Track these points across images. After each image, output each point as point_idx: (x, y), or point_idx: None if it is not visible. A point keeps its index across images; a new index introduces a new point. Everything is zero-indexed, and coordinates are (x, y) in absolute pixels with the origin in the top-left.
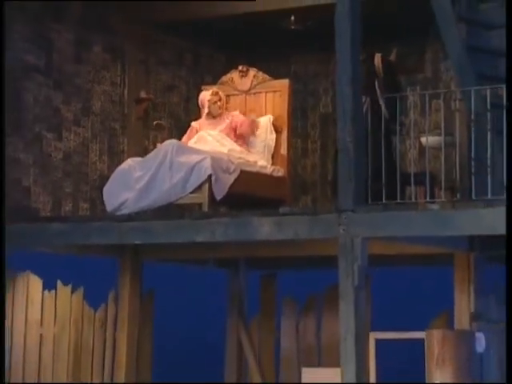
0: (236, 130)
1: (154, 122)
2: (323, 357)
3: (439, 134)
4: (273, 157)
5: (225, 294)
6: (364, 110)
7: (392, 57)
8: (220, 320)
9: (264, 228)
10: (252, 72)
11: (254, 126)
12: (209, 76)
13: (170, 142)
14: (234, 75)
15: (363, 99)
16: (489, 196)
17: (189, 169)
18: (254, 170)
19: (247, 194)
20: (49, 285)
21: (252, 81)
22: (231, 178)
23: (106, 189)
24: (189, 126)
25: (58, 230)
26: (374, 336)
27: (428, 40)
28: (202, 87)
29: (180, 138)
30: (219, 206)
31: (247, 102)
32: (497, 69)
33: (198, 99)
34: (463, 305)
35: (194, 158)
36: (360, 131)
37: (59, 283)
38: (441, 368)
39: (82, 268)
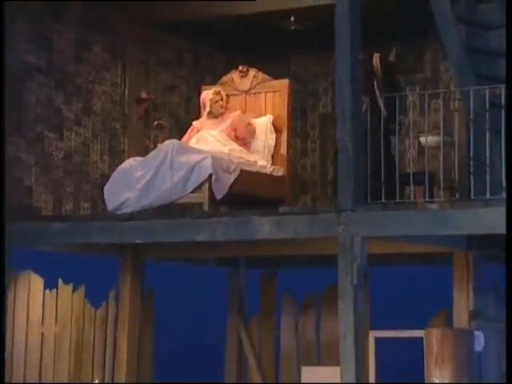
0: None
1: (155, 123)
2: (322, 355)
3: (438, 134)
4: (273, 156)
5: (225, 292)
6: (363, 109)
7: (391, 57)
8: (220, 319)
9: (264, 227)
10: (252, 72)
11: (250, 130)
12: (209, 76)
13: (171, 142)
14: (234, 75)
15: (362, 99)
16: (487, 195)
17: (189, 168)
18: (254, 169)
19: (247, 194)
20: (50, 284)
21: (252, 81)
22: (231, 178)
23: (106, 188)
24: (189, 125)
25: (59, 229)
26: (373, 334)
27: (427, 40)
28: (203, 87)
29: (180, 138)
30: (219, 206)
31: (247, 102)
32: (495, 69)
33: (198, 99)
34: (462, 303)
35: (195, 158)
36: (359, 131)
37: (60, 282)
38: (440, 366)
39: (83, 267)
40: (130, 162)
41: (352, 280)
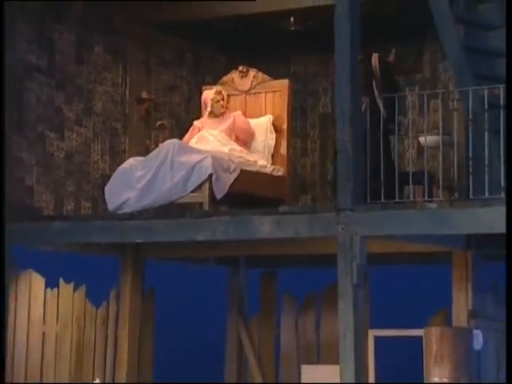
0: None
1: (158, 123)
2: (322, 354)
3: (437, 134)
4: (273, 156)
5: (225, 292)
6: (362, 109)
7: (391, 57)
8: (220, 318)
9: (264, 227)
10: (252, 72)
11: (249, 133)
12: (209, 76)
13: (171, 142)
14: (235, 75)
15: (361, 99)
16: (486, 195)
17: (190, 168)
18: (254, 169)
19: (247, 193)
20: (51, 283)
21: (252, 81)
22: (231, 178)
23: (107, 188)
24: (190, 125)
25: (60, 228)
26: (372, 333)
27: (426, 41)
28: (203, 87)
29: (181, 138)
30: (220, 205)
31: (247, 102)
32: (494, 69)
33: (198, 99)
34: (461, 302)
35: (195, 158)
36: (359, 131)
37: (61, 281)
38: (439, 365)
39: (83, 266)
40: (130, 161)
41: (352, 279)
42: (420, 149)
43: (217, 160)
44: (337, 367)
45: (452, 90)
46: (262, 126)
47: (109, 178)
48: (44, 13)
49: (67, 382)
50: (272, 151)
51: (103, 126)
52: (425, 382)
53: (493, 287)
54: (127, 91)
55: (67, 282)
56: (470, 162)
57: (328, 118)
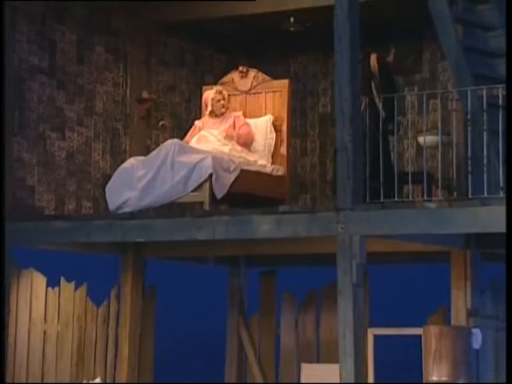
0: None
1: (160, 123)
2: (322, 353)
3: (436, 134)
4: (272, 156)
5: (225, 291)
6: (361, 109)
7: (390, 57)
8: (220, 316)
9: (264, 226)
10: (252, 73)
11: (248, 140)
12: (209, 76)
13: (172, 142)
14: (235, 76)
15: (360, 99)
16: (485, 194)
17: (190, 168)
18: (254, 169)
19: (247, 193)
20: (52, 282)
21: (252, 81)
22: (232, 177)
23: (108, 187)
24: (190, 125)
25: (61, 227)
26: (372, 332)
27: (425, 41)
28: (203, 87)
29: (182, 138)
30: (220, 205)
31: (247, 102)
32: (493, 69)
33: (199, 99)
34: (460, 301)
35: (195, 158)
36: (358, 131)
37: (63, 280)
38: (438, 363)
39: (84, 265)
40: (131, 161)
41: (351, 278)
42: (419, 148)
43: (217, 160)
44: (336, 366)
45: (451, 90)
46: (261, 125)
47: (110, 177)
48: (45, 13)
49: (68, 380)
50: (272, 151)
51: (104, 125)
52: (424, 380)
53: (491, 286)
54: (128, 91)
55: (68, 281)
56: (469, 162)
57: (327, 118)
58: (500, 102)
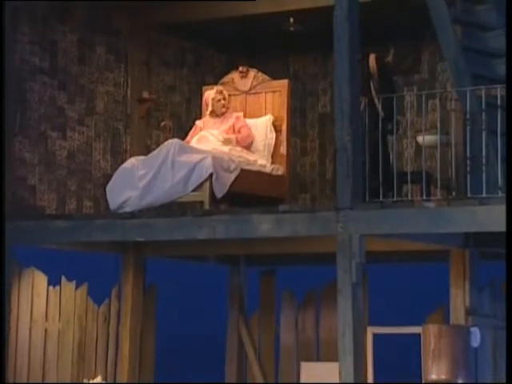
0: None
1: (162, 123)
2: (322, 351)
3: (435, 134)
4: (272, 156)
5: (225, 289)
6: (360, 109)
7: (389, 58)
8: (221, 315)
9: (264, 225)
10: (252, 73)
11: (249, 141)
12: (210, 76)
13: (172, 142)
14: (235, 76)
15: (360, 99)
16: (483, 194)
17: (190, 168)
18: (254, 168)
19: (247, 192)
20: (53, 281)
21: (252, 81)
22: (232, 177)
23: (109, 187)
24: (190, 125)
25: (62, 227)
26: (371, 330)
27: (424, 41)
28: (204, 87)
29: (182, 138)
30: (220, 204)
31: (247, 102)
32: (492, 69)
33: (199, 99)
34: (459, 300)
35: (196, 157)
36: (358, 130)
37: (63, 279)
38: (436, 362)
39: (85, 264)
40: (131, 161)
41: (351, 277)
42: (418, 148)
43: (217, 160)
44: (336, 364)
45: (450, 90)
46: (261, 125)
47: (110, 177)
48: (46, 14)
49: (69, 378)
50: (272, 151)
51: (105, 125)
52: (423, 378)
53: (490, 285)
54: (129, 91)
55: (69, 280)
56: (468, 162)
57: (327, 118)
58: (499, 101)
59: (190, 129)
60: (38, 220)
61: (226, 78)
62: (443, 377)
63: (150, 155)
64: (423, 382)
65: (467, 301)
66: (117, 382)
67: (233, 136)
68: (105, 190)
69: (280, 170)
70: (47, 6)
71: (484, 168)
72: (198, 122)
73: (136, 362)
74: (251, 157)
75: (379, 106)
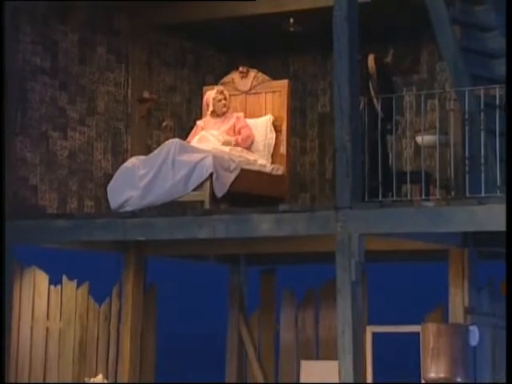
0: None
1: (163, 124)
2: (321, 350)
3: (434, 134)
4: (272, 155)
5: (225, 288)
6: (360, 109)
7: (388, 58)
8: (221, 314)
9: (264, 225)
10: (252, 73)
11: (249, 141)
12: (210, 77)
13: (173, 141)
14: (235, 76)
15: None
16: (482, 193)
17: (191, 167)
18: (254, 168)
19: (248, 192)
20: (54, 280)
21: (252, 81)
22: (232, 176)
23: (110, 186)
24: (190, 125)
25: (63, 226)
26: (370, 329)
27: (423, 42)
28: (204, 88)
29: (182, 138)
30: (220, 204)
31: (247, 102)
32: (490, 70)
33: (199, 99)
34: (457, 299)
35: (196, 157)
36: (357, 130)
37: (65, 278)
38: (435, 360)
39: (86, 264)
40: (132, 160)
41: (350, 276)
42: (417, 148)
43: (217, 159)
44: (335, 362)
45: (449, 90)
46: (261, 125)
47: (111, 176)
48: (47, 14)
49: (70, 377)
50: (272, 150)
51: (106, 125)
52: (421, 377)
53: (489, 284)
54: (129, 91)
55: (70, 279)
56: (467, 161)
57: (327, 118)
58: (497, 102)
59: (191, 129)
60: (39, 219)
61: (227, 78)
62: (442, 375)
63: (151, 155)
64: (422, 380)
65: (466, 300)
66: (118, 380)
67: (232, 138)
68: (106, 190)
69: (280, 169)
70: (47, 5)
71: (483, 168)
72: (199, 122)
73: (137, 360)
74: (251, 156)
75: (378, 106)
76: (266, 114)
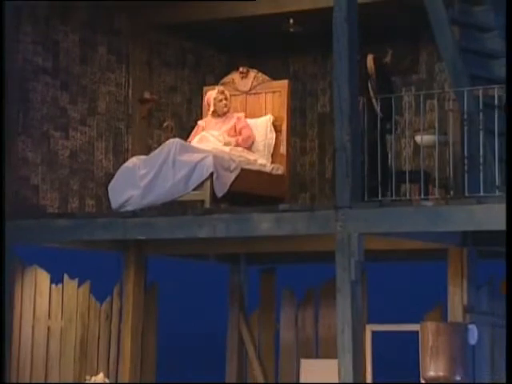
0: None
1: (164, 124)
2: (321, 348)
3: (433, 133)
4: (272, 155)
5: (226, 288)
6: (359, 109)
7: (388, 58)
8: (221, 313)
9: (264, 224)
10: (252, 73)
11: (250, 142)
12: (210, 77)
13: (173, 141)
14: (235, 76)
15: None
16: (481, 193)
17: (191, 167)
18: (254, 168)
19: (248, 192)
20: (56, 279)
21: (252, 81)
22: (232, 176)
23: (111, 186)
24: (191, 125)
25: (64, 225)
26: (370, 328)
27: (422, 42)
28: (204, 88)
29: (183, 138)
30: (220, 203)
31: (247, 102)
32: (489, 70)
33: (200, 100)
34: (456, 298)
35: (196, 157)
36: (357, 130)
37: (66, 277)
38: (434, 359)
39: (87, 263)
40: (133, 160)
41: (349, 275)
42: (416, 148)
43: (218, 159)
44: (335, 361)
45: (448, 90)
46: (261, 125)
47: (112, 176)
48: (49, 14)
49: (71, 375)
50: (272, 150)
51: (107, 125)
52: (420, 375)
53: (488, 283)
54: (130, 91)
55: (71, 278)
56: (465, 161)
57: (326, 118)
58: (496, 102)
59: (191, 129)
60: (41, 219)
61: (227, 79)
62: (441, 374)
63: (152, 154)
64: (421, 379)
65: (465, 299)
66: (118, 379)
67: (233, 139)
68: (107, 189)
69: (280, 169)
70: (48, 6)
71: (481, 167)
72: (200, 122)
73: (138, 359)
74: (251, 156)
75: (377, 107)
76: (266, 114)
